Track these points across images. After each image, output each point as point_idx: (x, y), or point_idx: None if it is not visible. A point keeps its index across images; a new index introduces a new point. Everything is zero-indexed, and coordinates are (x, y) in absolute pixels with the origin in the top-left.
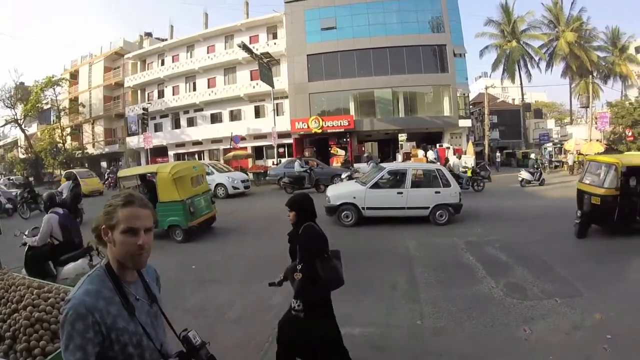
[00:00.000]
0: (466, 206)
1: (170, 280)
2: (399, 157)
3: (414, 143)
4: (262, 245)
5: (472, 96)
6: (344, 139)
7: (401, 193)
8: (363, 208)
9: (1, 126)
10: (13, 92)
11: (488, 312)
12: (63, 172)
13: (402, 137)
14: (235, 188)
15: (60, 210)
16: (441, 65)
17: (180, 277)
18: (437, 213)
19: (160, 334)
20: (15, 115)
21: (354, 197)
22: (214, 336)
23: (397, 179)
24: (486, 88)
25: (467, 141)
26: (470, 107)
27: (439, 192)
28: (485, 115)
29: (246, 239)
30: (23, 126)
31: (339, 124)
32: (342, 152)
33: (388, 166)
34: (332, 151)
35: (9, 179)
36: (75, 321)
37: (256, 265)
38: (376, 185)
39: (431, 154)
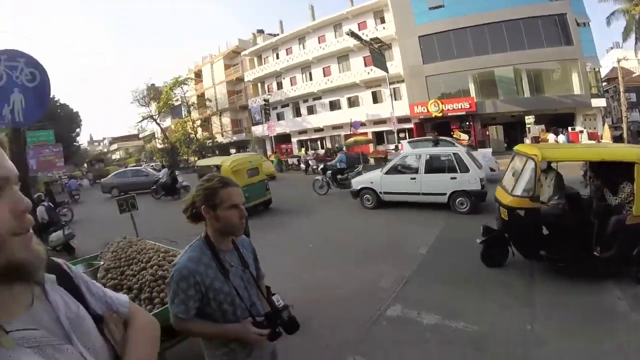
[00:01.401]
0: None
1: (286, 255)
2: (527, 141)
3: (542, 126)
4: (384, 229)
5: (604, 71)
6: (467, 123)
7: (414, 178)
8: (380, 192)
9: (139, 122)
10: (146, 93)
11: (607, 328)
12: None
13: (529, 119)
14: (492, 170)
15: (46, 203)
16: (565, 37)
17: (296, 254)
18: (457, 200)
19: (253, 296)
20: (150, 111)
21: (372, 182)
22: (320, 312)
23: (413, 164)
24: (618, 61)
25: (603, 124)
26: (604, 84)
27: (455, 178)
28: (621, 93)
29: (369, 220)
30: (158, 120)
31: (460, 107)
32: (465, 137)
33: (404, 152)
34: (454, 136)
35: (152, 166)
36: (179, 281)
37: (373, 248)
38: (392, 171)
39: (562, 138)
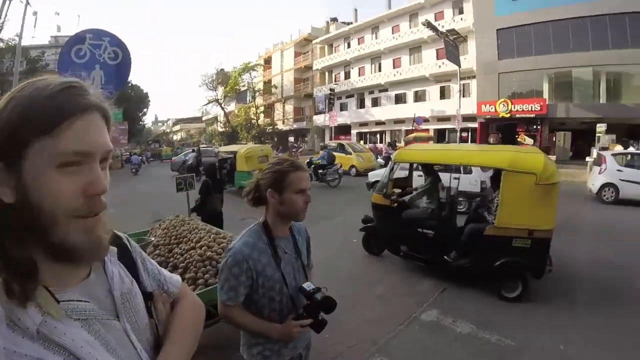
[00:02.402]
0: None
1: (332, 250)
2: (594, 152)
3: (613, 137)
4: None
5: None
6: (534, 126)
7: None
8: None
9: (204, 105)
10: (214, 77)
11: None
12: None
13: (600, 127)
14: None
15: None
16: None
17: (342, 248)
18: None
19: (299, 285)
20: (216, 96)
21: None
22: (355, 307)
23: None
24: None
25: None
26: None
27: (457, 178)
28: None
29: None
30: (222, 105)
31: (530, 109)
32: (530, 141)
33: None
34: (519, 139)
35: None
36: (232, 266)
37: None
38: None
39: (632, 151)
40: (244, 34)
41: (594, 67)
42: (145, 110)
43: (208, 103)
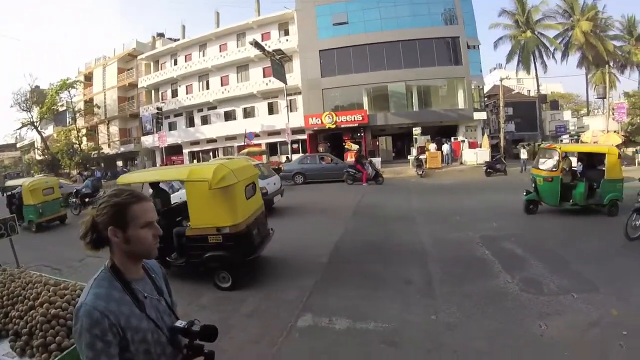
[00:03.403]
0: (481, 200)
1: (184, 277)
2: (414, 151)
3: (428, 137)
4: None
5: (486, 88)
6: (358, 134)
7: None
8: None
9: (17, 129)
10: (28, 96)
11: (503, 308)
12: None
13: (416, 131)
14: None
15: None
16: (455, 57)
17: (194, 274)
18: None
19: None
20: (32, 118)
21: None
22: (229, 331)
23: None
24: (501, 80)
25: (483, 134)
26: (485, 99)
27: None
28: (501, 108)
29: None
30: (39, 128)
31: (353, 119)
32: (356, 147)
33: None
34: (346, 146)
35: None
36: (91, 328)
37: (269, 262)
38: None
39: (446, 147)
40: (61, 46)
41: (406, 82)
42: None
43: (22, 127)
